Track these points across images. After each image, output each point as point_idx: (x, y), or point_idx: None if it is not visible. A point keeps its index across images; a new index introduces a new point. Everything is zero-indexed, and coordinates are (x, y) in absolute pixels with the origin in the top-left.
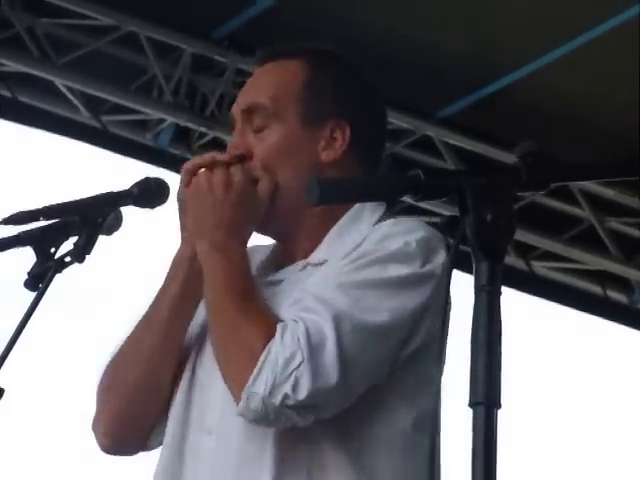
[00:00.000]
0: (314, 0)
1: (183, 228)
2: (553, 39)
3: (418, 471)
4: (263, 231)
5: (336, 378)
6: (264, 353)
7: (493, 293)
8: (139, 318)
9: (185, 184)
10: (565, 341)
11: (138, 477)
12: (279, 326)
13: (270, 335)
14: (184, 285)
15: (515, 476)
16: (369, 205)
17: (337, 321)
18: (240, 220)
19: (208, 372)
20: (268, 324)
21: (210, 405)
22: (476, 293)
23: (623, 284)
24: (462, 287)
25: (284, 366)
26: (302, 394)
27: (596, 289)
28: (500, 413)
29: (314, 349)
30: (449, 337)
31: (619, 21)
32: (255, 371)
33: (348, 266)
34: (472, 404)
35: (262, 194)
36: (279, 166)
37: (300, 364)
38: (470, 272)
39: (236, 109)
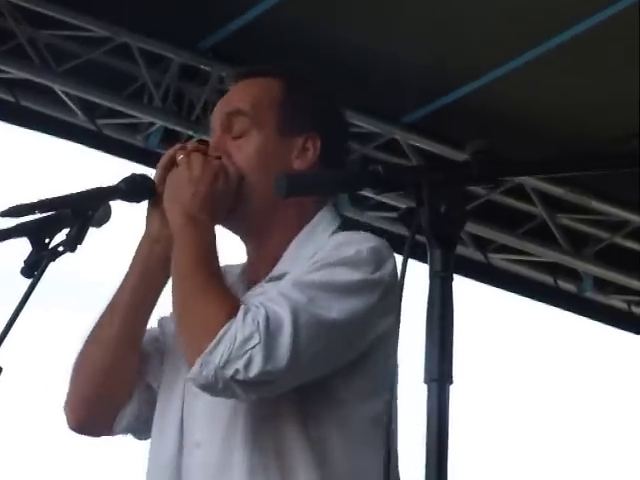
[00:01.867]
0: (291, 17)
1: (149, 216)
2: (505, 53)
3: (374, 461)
4: (232, 227)
5: (285, 363)
6: (224, 328)
7: (446, 278)
8: (105, 305)
9: (162, 179)
10: (519, 327)
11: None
12: (242, 307)
13: (231, 313)
14: (143, 273)
15: (466, 444)
16: (324, 220)
17: (295, 312)
18: (213, 197)
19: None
20: (231, 303)
21: (197, 419)
22: (431, 278)
23: (572, 275)
24: (416, 273)
25: (241, 344)
26: (252, 373)
27: (548, 279)
28: (455, 389)
29: (271, 334)
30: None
31: (567, 36)
32: (213, 342)
33: (305, 268)
34: (427, 381)
35: (232, 179)
36: (254, 169)
37: (256, 345)
38: (423, 260)
39: (215, 118)
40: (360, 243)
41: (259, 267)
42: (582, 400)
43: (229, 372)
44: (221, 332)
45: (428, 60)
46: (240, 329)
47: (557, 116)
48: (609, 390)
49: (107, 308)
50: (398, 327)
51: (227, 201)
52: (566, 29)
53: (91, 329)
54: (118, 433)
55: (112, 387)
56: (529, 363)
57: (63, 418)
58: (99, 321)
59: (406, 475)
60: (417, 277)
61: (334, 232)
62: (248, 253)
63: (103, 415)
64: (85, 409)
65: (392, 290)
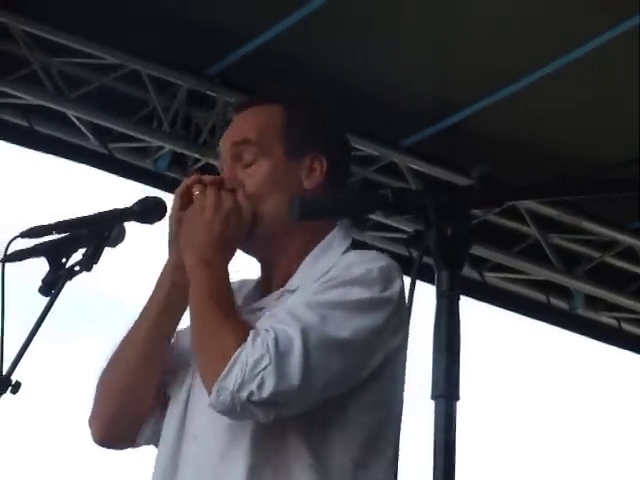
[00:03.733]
0: (294, 44)
1: (171, 243)
2: (502, 79)
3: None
4: (247, 251)
5: (298, 382)
6: (236, 353)
7: (453, 297)
8: (129, 326)
9: (179, 207)
10: (513, 343)
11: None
12: (252, 332)
13: (243, 339)
14: (168, 296)
15: (471, 459)
16: (337, 237)
17: (305, 332)
18: (226, 240)
19: (201, 383)
20: (242, 330)
21: (198, 412)
22: (438, 298)
23: (564, 292)
24: (421, 293)
25: (253, 366)
26: (266, 393)
27: (541, 297)
28: (459, 405)
29: (281, 354)
30: (410, 341)
31: (568, 60)
32: (226, 369)
33: (317, 288)
34: (434, 396)
35: (245, 219)
36: (266, 196)
37: (267, 366)
38: (426, 280)
39: (224, 149)
40: (370, 262)
41: (273, 282)
42: (573, 412)
43: (244, 394)
44: (233, 358)
45: (426, 85)
46: (250, 353)
47: (556, 140)
48: (598, 403)
49: (131, 330)
50: (406, 346)
51: (240, 239)
52: (566, 53)
53: (114, 349)
54: (141, 444)
55: (136, 403)
56: (522, 377)
57: (88, 433)
58: (123, 342)
59: None
60: (422, 296)
61: (346, 250)
62: (263, 268)
63: (127, 429)
64: (110, 425)
65: (400, 308)
